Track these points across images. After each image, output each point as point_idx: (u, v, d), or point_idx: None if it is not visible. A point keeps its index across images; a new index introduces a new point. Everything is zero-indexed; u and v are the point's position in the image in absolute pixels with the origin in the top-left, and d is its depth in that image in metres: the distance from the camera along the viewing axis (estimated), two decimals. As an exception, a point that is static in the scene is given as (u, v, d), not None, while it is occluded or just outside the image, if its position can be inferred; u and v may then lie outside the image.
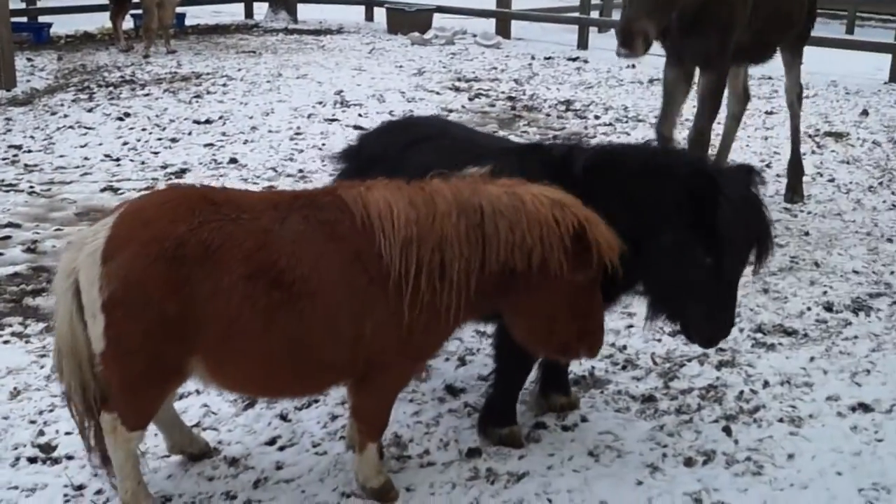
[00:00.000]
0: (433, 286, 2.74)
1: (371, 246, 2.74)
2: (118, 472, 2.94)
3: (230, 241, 2.70)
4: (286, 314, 2.73)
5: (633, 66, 11.34)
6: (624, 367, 4.08)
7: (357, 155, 3.84)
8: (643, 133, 8.13)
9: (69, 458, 3.35)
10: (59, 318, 2.82)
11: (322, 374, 2.92)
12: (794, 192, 6.52)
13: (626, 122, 8.82)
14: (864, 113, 9.63)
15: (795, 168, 6.62)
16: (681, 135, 6.64)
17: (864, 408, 3.77)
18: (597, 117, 8.95)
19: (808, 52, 12.82)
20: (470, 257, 2.75)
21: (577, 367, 4.01)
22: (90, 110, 8.81)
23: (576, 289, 2.81)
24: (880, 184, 7.05)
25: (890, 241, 5.72)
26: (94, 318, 2.72)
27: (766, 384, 3.95)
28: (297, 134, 8.05)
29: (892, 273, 5.19)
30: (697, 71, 5.74)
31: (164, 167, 7.01)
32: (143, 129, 8.13)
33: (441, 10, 15.43)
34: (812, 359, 4.17)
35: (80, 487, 3.19)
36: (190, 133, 8.03)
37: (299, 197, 2.92)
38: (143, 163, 7.14)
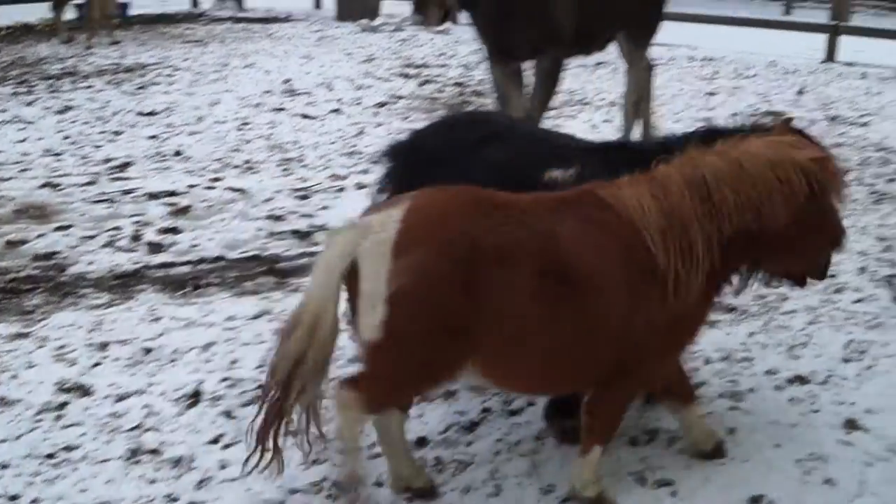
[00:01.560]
0: (688, 269, 2.80)
1: (638, 240, 2.79)
2: (342, 446, 2.83)
3: (519, 242, 2.72)
4: (571, 311, 2.76)
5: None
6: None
7: (412, 153, 3.58)
8: (589, 116, 8.15)
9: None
10: (315, 296, 2.74)
11: (592, 370, 2.93)
12: None
13: (573, 105, 8.82)
14: (801, 92, 9.73)
15: None
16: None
17: (801, 380, 3.81)
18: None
19: (749, 32, 13.16)
20: (710, 231, 2.81)
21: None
22: (30, 104, 8.66)
23: (813, 218, 2.90)
24: (816, 161, 7.11)
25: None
26: (373, 308, 2.67)
27: (707, 361, 3.97)
28: (245, 124, 7.98)
29: (828, 248, 5.24)
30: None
31: (107, 161, 6.89)
32: (85, 123, 8.00)
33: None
34: (751, 334, 4.21)
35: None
36: (134, 125, 7.92)
37: (565, 199, 2.91)
38: (84, 157, 7.01)
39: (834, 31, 11.97)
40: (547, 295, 2.72)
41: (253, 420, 2.83)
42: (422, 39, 12.92)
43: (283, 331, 2.79)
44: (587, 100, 9.00)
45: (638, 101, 5.79)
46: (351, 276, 2.69)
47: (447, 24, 11.47)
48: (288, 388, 2.76)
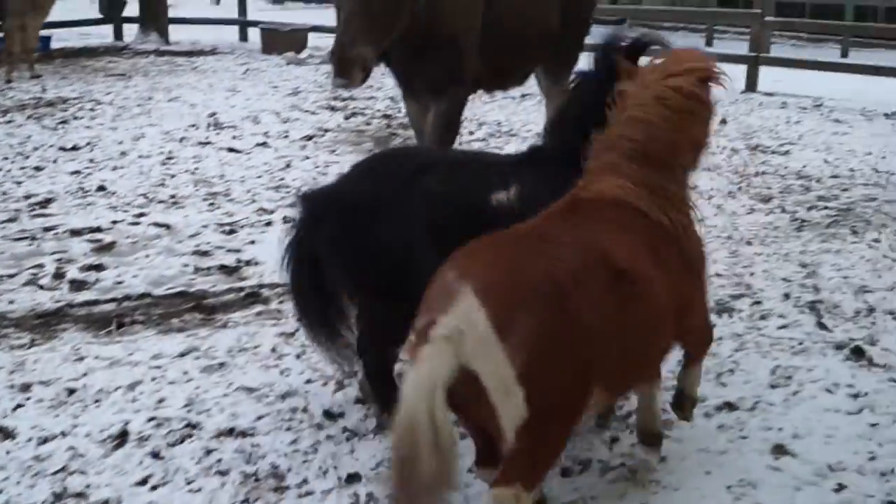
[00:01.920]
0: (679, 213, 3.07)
1: (643, 219, 2.98)
2: None
3: (580, 260, 2.74)
4: (643, 305, 2.84)
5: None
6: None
7: (338, 199, 3.49)
8: (516, 147, 8.19)
9: None
10: (420, 430, 2.41)
11: (659, 355, 3.15)
12: None
13: (500, 136, 8.87)
14: (723, 121, 9.91)
15: None
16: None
17: (730, 407, 3.85)
18: (471, 133, 8.97)
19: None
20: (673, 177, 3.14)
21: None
22: (-52, 140, 8.45)
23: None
24: (739, 189, 7.25)
25: (749, 243, 5.88)
26: (507, 395, 2.52)
27: (636, 391, 4.00)
28: (169, 158, 7.86)
29: (751, 274, 5.32)
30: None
31: (28, 197, 6.73)
32: (5, 159, 7.81)
33: (316, 29, 15.30)
34: (680, 362, 4.24)
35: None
36: (55, 161, 7.76)
37: (567, 210, 2.98)
38: (3, 193, 6.84)
39: (754, 62, 12.26)
40: (623, 297, 2.77)
41: None
42: (349, 72, 12.91)
43: (399, 452, 2.49)
44: (514, 131, 9.07)
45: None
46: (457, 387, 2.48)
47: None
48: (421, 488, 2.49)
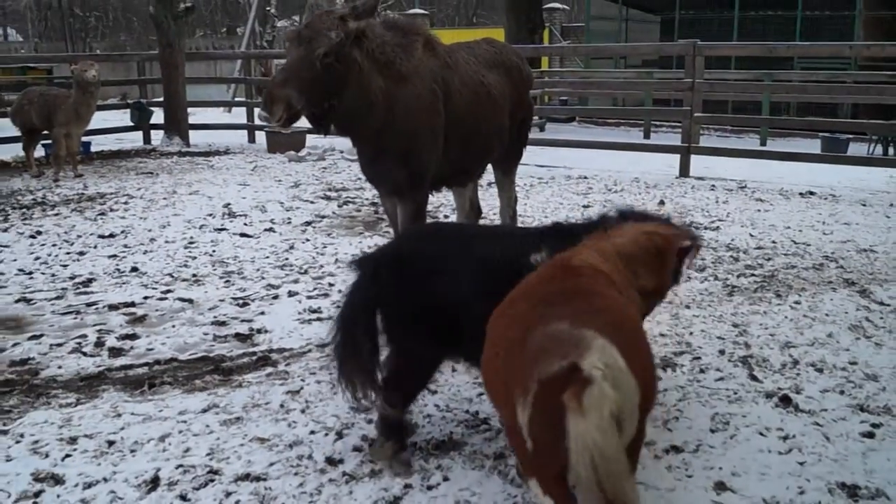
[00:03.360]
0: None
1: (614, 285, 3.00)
2: None
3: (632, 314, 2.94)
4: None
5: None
6: (477, 430, 4.06)
7: (399, 257, 3.56)
8: (486, 227, 8.26)
9: None
10: (612, 452, 2.35)
11: None
12: None
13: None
14: (662, 203, 10.02)
15: None
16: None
17: (676, 449, 3.84)
18: (445, 216, 9.02)
19: (617, 155, 13.59)
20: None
21: (438, 433, 3.99)
22: (5, 230, 8.42)
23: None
24: (678, 260, 7.29)
25: (688, 307, 5.90)
26: (631, 420, 2.50)
27: (596, 436, 3.98)
28: (191, 243, 7.86)
29: (691, 334, 5.34)
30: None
31: (73, 278, 6.71)
32: (54, 245, 7.79)
33: (312, 131, 15.39)
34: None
35: None
36: (95, 246, 7.75)
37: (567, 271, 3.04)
38: (53, 275, 6.82)
39: (686, 152, 12.42)
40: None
41: None
42: (340, 167, 13.01)
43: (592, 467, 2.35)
44: (483, 215, 9.08)
45: (514, 215, 5.81)
46: None
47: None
48: None
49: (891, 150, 16.24)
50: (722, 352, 5.00)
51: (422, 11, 30.48)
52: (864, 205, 9.93)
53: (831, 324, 5.53)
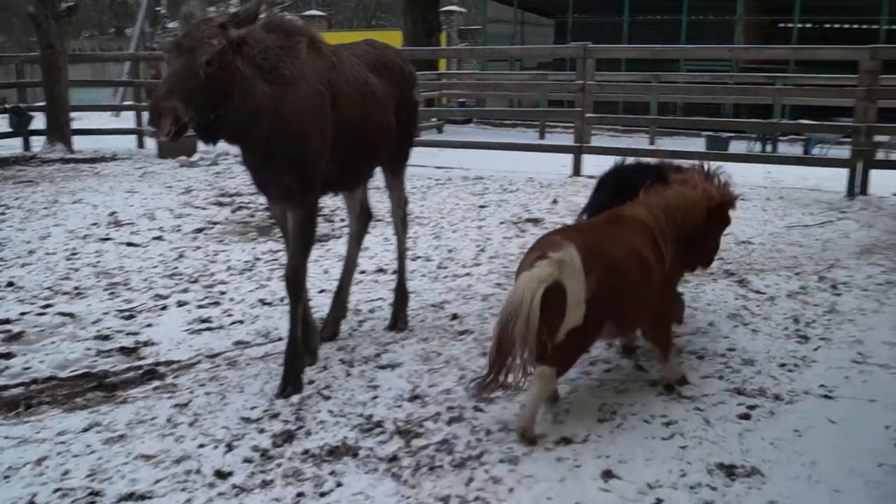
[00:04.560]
0: (669, 250, 4.27)
1: (653, 236, 4.24)
2: (532, 404, 3.92)
3: (627, 248, 4.06)
4: (650, 277, 4.13)
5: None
6: (371, 433, 4.06)
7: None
8: (382, 231, 8.25)
9: None
10: (525, 304, 3.64)
11: (646, 317, 4.34)
12: (398, 319, 5.60)
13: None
14: (555, 202, 10.21)
15: (400, 295, 5.69)
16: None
17: (566, 441, 3.93)
18: (342, 220, 8.98)
19: (513, 155, 13.77)
20: (673, 231, 4.32)
21: (332, 438, 3.97)
22: None
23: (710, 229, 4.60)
24: (569, 257, 7.43)
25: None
26: (576, 307, 3.75)
27: (488, 432, 4.03)
28: (73, 254, 7.59)
29: (581, 329, 5.44)
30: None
31: (-58, 295, 6.39)
32: (-78, 261, 7.42)
33: (204, 137, 15.08)
34: (523, 406, 4.28)
35: None
36: (-32, 261, 7.40)
37: (618, 219, 4.30)
38: (-80, 293, 6.47)
39: (578, 151, 12.68)
40: (643, 271, 4.07)
41: (490, 364, 3.84)
42: (234, 172, 12.77)
43: (507, 314, 3.71)
44: (380, 216, 9.06)
45: (404, 216, 5.81)
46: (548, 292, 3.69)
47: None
48: (513, 348, 3.71)
49: (768, 147, 16.96)
50: (610, 344, 5.12)
51: (319, 13, 30.24)
52: (743, 199, 10.25)
53: (712, 313, 5.73)
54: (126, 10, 44.11)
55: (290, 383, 4.55)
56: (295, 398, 4.45)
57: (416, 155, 13.17)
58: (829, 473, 3.65)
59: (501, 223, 8.95)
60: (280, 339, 5.22)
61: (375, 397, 4.45)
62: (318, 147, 4.61)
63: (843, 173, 11.04)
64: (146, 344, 5.31)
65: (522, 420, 3.93)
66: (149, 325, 5.65)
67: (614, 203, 4.55)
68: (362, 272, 6.85)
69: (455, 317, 5.78)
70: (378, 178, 5.70)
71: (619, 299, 3.94)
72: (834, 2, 24.02)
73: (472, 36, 28.83)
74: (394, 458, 3.80)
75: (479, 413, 4.24)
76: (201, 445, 3.94)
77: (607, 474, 3.63)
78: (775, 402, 4.36)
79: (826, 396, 4.46)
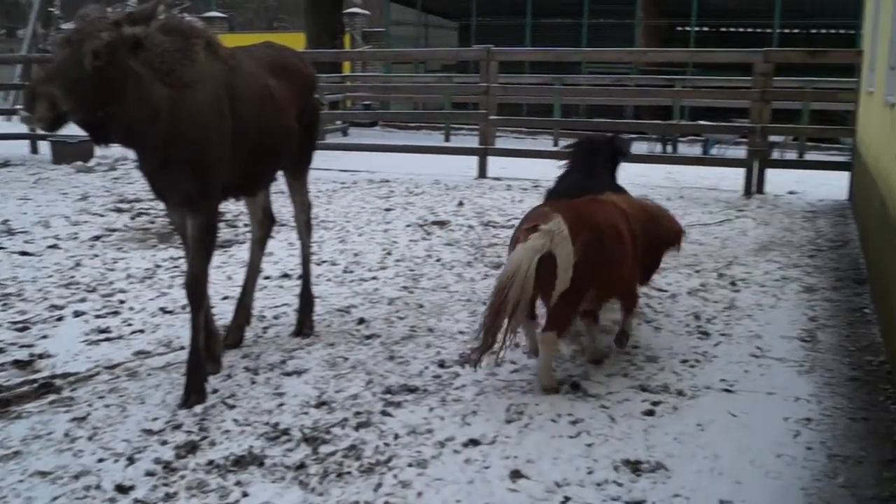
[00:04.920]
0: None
1: (628, 221, 4.79)
2: (545, 366, 4.49)
3: (612, 223, 4.60)
4: (631, 253, 4.71)
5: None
6: (277, 441, 4.00)
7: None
8: (286, 236, 8.16)
9: None
10: (521, 272, 4.15)
11: (624, 286, 4.88)
12: (303, 325, 5.54)
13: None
14: (461, 204, 10.27)
15: (305, 300, 5.63)
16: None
17: (474, 442, 3.94)
18: (246, 225, 8.82)
19: (418, 158, 13.81)
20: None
21: (237, 448, 3.90)
22: None
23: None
24: (475, 259, 7.50)
25: (484, 303, 6.05)
26: (566, 272, 4.24)
27: (396, 436, 4.02)
28: (-39, 265, 7.26)
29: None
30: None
31: None
32: None
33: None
34: (431, 409, 4.32)
35: None
36: None
37: (595, 199, 4.86)
38: None
39: (483, 153, 12.79)
40: (625, 247, 4.61)
41: (483, 329, 4.28)
42: (134, 177, 12.42)
43: (504, 281, 4.19)
44: (284, 221, 8.95)
45: (308, 220, 5.76)
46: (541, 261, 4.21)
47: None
48: (507, 311, 4.20)
49: (669, 148, 17.44)
50: (517, 345, 5.16)
51: (219, 14, 29.75)
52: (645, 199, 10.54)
53: (616, 311, 5.83)
54: (18, 10, 42.61)
55: (193, 393, 4.45)
56: (198, 408, 4.35)
57: (321, 158, 13.13)
58: (731, 466, 3.76)
59: (407, 226, 8.95)
60: (182, 347, 5.09)
61: (281, 405, 4.39)
62: (218, 152, 4.52)
63: (740, 172, 11.44)
64: (41, 356, 5.12)
65: (542, 380, 4.51)
66: (44, 337, 5.45)
67: (586, 175, 5.65)
68: (267, 278, 6.76)
69: (361, 321, 5.75)
70: (282, 183, 5.63)
71: (600, 264, 4.41)
72: (730, 6, 24.86)
73: (375, 38, 28.78)
74: (301, 466, 3.75)
75: (387, 417, 4.22)
76: (101, 460, 3.82)
77: (516, 474, 3.65)
78: (678, 398, 4.47)
79: (727, 391, 4.60)
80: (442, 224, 9.03)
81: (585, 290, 4.40)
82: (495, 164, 12.77)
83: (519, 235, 4.35)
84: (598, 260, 4.37)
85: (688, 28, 24.84)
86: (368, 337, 5.42)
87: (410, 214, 9.60)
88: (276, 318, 5.87)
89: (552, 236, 4.20)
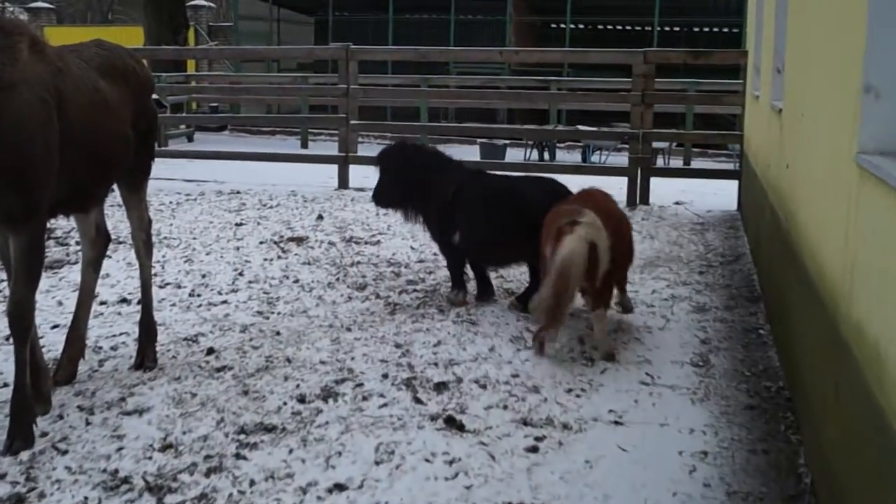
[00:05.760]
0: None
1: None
2: (602, 335, 5.63)
3: (614, 212, 6.00)
4: (627, 237, 6.15)
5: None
6: (117, 492, 3.82)
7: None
8: (125, 255, 7.90)
9: None
10: (579, 258, 5.28)
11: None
12: (145, 356, 5.36)
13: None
14: (320, 217, 10.18)
15: (147, 329, 5.44)
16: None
17: (340, 488, 3.87)
18: (78, 243, 8.48)
19: (273, 166, 13.66)
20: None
21: (70, 500, 3.71)
22: None
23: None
24: (337, 279, 7.42)
25: (349, 330, 6.01)
26: (605, 255, 5.42)
27: (252, 483, 3.91)
28: None
29: (352, 359, 5.43)
30: None
31: None
32: None
33: None
34: (291, 450, 4.23)
35: None
36: None
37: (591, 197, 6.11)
38: None
39: (344, 161, 12.74)
40: (625, 232, 6.11)
41: (547, 312, 5.33)
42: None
43: (566, 267, 5.25)
44: (122, 238, 8.65)
45: (148, 238, 5.58)
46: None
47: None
48: (571, 294, 5.39)
49: (546, 155, 17.81)
50: (385, 376, 5.13)
51: (47, 5, 28.71)
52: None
53: (494, 336, 5.89)
54: None
55: (18, 437, 4.25)
56: (24, 454, 4.15)
57: (163, 167, 12.78)
58: (622, 506, 3.82)
59: (261, 243, 8.80)
60: (5, 385, 4.86)
61: (121, 448, 4.22)
62: (44, 163, 4.32)
63: (623, 182, 11.64)
64: None
65: (603, 348, 5.57)
66: None
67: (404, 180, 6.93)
68: (102, 303, 6.52)
69: (211, 351, 5.60)
70: (118, 196, 5.44)
71: (622, 245, 5.79)
72: (606, 2, 25.65)
73: (223, 34, 28.32)
74: (142, 518, 3.61)
75: (242, 461, 4.11)
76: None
77: (387, 521, 3.61)
78: (564, 432, 4.50)
79: (616, 422, 4.65)
80: (300, 240, 8.92)
81: (617, 269, 5.73)
82: (358, 174, 12.70)
83: (564, 228, 5.39)
84: (621, 242, 5.75)
85: (562, 25, 25.48)
86: (219, 369, 5.28)
87: (264, 230, 9.45)
88: (113, 349, 5.66)
89: (591, 228, 5.37)
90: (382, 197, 7.14)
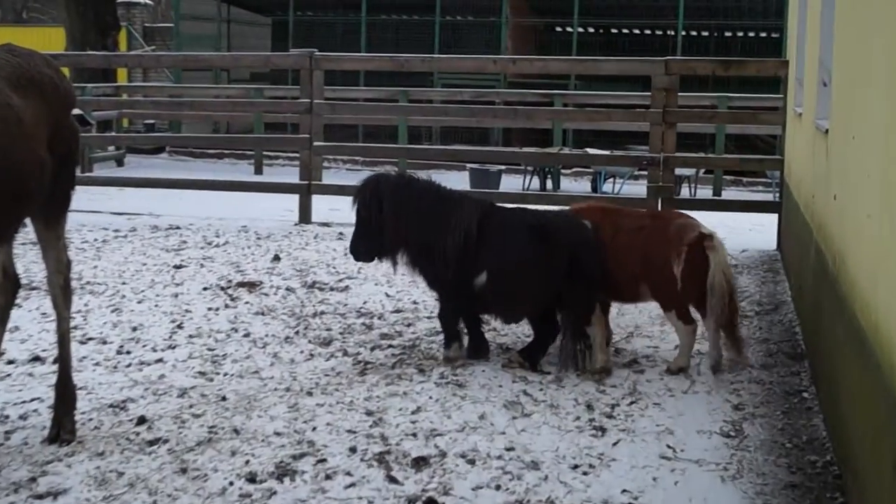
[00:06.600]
0: None
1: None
2: (687, 344, 6.72)
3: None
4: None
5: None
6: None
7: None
8: (39, 303, 7.90)
9: None
10: (730, 272, 6.79)
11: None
12: (62, 427, 5.29)
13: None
14: (276, 258, 10.20)
15: (64, 393, 5.39)
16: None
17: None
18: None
19: (220, 196, 13.68)
20: None
21: None
22: None
23: None
24: (297, 333, 7.43)
25: (310, 394, 6.00)
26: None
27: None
28: None
29: (314, 429, 5.40)
30: None
31: None
32: None
33: None
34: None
35: None
36: None
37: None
38: None
39: (306, 191, 12.77)
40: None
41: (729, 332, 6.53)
42: None
43: (729, 283, 6.54)
44: (35, 284, 8.66)
45: (66, 283, 5.57)
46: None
47: None
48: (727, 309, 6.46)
49: (549, 184, 17.86)
50: (353, 450, 5.12)
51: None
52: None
53: (485, 402, 5.89)
54: None
55: None
56: None
57: (87, 197, 12.82)
58: None
59: (205, 289, 8.81)
60: None
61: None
62: None
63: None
64: None
65: (680, 362, 6.65)
66: None
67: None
68: (10, 363, 6.50)
69: (142, 420, 5.58)
70: (32, 232, 5.45)
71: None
72: (622, 2, 25.84)
73: (161, 37, 28.51)
74: None
75: (178, 555, 4.10)
76: None
77: None
78: (568, 517, 4.51)
79: (630, 505, 4.66)
80: (252, 286, 8.95)
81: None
82: (322, 205, 12.76)
83: (705, 243, 6.42)
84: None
85: (569, 29, 25.65)
86: (152, 442, 5.27)
87: (209, 273, 9.47)
88: (22, 417, 5.63)
89: (720, 247, 6.53)
90: (368, 245, 7.15)
